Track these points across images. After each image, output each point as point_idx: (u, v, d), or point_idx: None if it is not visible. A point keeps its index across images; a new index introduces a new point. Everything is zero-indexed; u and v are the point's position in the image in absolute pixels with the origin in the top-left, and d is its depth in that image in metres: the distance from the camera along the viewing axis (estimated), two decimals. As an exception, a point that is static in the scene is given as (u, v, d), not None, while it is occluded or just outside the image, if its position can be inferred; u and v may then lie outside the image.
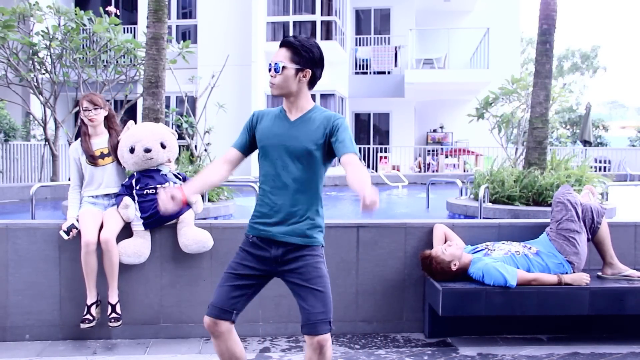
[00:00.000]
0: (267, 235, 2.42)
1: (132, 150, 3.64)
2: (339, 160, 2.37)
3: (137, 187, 3.63)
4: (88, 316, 3.50)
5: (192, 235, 3.61)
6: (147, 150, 3.65)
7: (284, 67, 2.38)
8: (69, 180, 3.90)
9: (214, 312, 2.41)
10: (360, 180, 2.19)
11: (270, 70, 2.41)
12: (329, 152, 2.43)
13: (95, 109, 3.73)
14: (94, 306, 3.53)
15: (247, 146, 2.53)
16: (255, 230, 2.46)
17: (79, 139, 3.80)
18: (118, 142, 3.74)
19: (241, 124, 2.63)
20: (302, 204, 2.40)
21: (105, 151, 3.76)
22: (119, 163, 3.78)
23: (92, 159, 3.70)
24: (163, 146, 3.72)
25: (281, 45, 2.43)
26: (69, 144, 9.35)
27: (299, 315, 2.39)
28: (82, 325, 3.48)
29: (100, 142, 3.78)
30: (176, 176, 3.77)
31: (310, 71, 2.42)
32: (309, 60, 2.41)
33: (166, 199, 2.34)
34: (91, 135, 3.79)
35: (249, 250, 2.46)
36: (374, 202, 2.08)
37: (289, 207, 2.39)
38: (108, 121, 3.85)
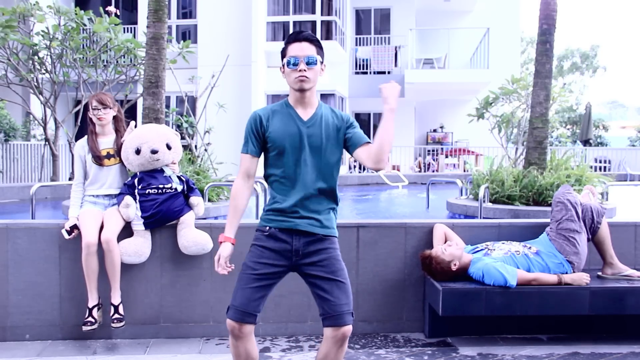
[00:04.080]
0: (289, 226, 2.41)
1: (138, 152, 3.63)
2: (353, 150, 2.46)
3: (140, 187, 3.62)
4: (90, 319, 3.48)
5: (192, 237, 3.61)
6: (154, 152, 3.63)
7: (316, 62, 2.41)
8: (69, 180, 3.91)
9: (239, 316, 2.39)
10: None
11: (297, 64, 2.39)
12: (343, 148, 2.52)
13: (104, 108, 3.73)
14: (95, 309, 3.52)
15: (260, 149, 2.52)
16: (274, 222, 2.44)
17: (86, 136, 3.80)
18: (123, 143, 3.74)
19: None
20: (323, 198, 2.44)
21: (112, 152, 3.75)
22: (124, 164, 3.78)
23: (98, 159, 3.70)
24: (169, 147, 3.72)
25: (301, 40, 2.43)
26: (69, 144, 9.36)
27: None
28: (85, 328, 3.47)
29: (107, 142, 3.77)
30: (179, 178, 3.76)
31: (325, 65, 2.50)
32: (324, 55, 2.50)
33: (220, 259, 2.48)
34: (98, 134, 3.79)
35: (267, 245, 2.43)
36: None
37: (311, 202, 2.42)
38: (116, 122, 3.85)
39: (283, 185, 2.45)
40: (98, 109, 3.72)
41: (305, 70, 2.38)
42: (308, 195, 2.42)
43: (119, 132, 3.82)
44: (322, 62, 2.46)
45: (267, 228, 2.45)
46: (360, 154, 2.44)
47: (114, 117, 3.82)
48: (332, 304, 2.36)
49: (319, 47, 2.46)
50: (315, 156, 2.43)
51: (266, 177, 2.53)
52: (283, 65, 2.45)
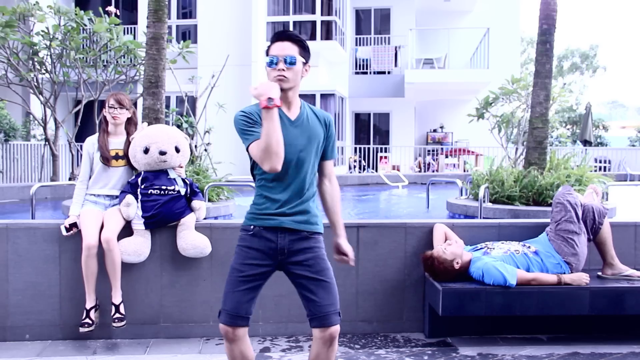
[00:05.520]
0: (274, 224, 2.39)
1: (146, 151, 3.63)
2: (320, 161, 2.51)
3: (142, 186, 3.62)
4: (87, 320, 3.49)
5: (191, 240, 3.61)
6: (162, 153, 3.63)
7: (296, 61, 2.38)
8: (69, 180, 3.90)
9: (231, 320, 2.38)
10: (340, 225, 2.58)
11: (276, 63, 2.35)
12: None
13: (120, 108, 3.74)
14: (92, 310, 3.52)
15: None
16: (259, 221, 2.42)
17: (97, 134, 3.80)
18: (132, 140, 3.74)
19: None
20: (307, 196, 2.44)
21: (121, 153, 3.75)
22: (130, 167, 3.77)
23: (106, 159, 3.70)
24: (177, 150, 3.72)
25: (283, 39, 2.40)
26: (69, 144, 9.36)
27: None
28: (81, 330, 3.48)
29: (117, 142, 3.77)
30: (183, 181, 3.76)
31: (309, 66, 2.48)
32: (309, 55, 2.47)
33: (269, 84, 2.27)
34: (110, 133, 3.79)
35: (251, 245, 2.41)
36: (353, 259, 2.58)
37: (296, 200, 2.41)
38: (128, 124, 3.85)
39: (269, 183, 2.43)
40: (114, 108, 3.73)
41: (284, 69, 2.36)
42: (294, 193, 2.41)
43: (129, 134, 3.82)
44: (305, 63, 2.43)
45: (252, 227, 2.43)
46: (322, 169, 2.55)
47: (128, 119, 3.82)
48: (318, 305, 2.35)
49: (303, 48, 2.42)
50: (301, 155, 2.41)
51: (253, 175, 2.50)
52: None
